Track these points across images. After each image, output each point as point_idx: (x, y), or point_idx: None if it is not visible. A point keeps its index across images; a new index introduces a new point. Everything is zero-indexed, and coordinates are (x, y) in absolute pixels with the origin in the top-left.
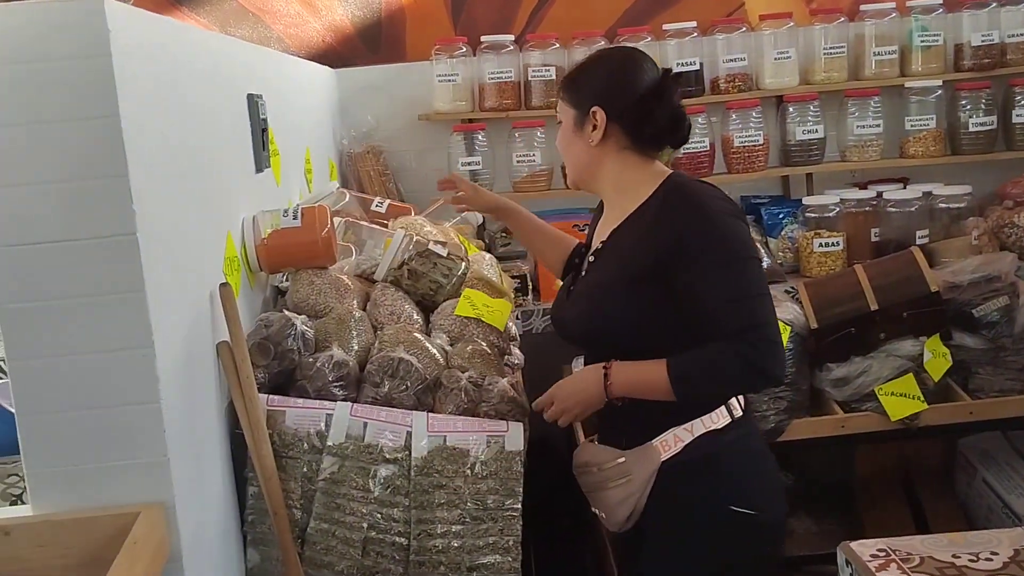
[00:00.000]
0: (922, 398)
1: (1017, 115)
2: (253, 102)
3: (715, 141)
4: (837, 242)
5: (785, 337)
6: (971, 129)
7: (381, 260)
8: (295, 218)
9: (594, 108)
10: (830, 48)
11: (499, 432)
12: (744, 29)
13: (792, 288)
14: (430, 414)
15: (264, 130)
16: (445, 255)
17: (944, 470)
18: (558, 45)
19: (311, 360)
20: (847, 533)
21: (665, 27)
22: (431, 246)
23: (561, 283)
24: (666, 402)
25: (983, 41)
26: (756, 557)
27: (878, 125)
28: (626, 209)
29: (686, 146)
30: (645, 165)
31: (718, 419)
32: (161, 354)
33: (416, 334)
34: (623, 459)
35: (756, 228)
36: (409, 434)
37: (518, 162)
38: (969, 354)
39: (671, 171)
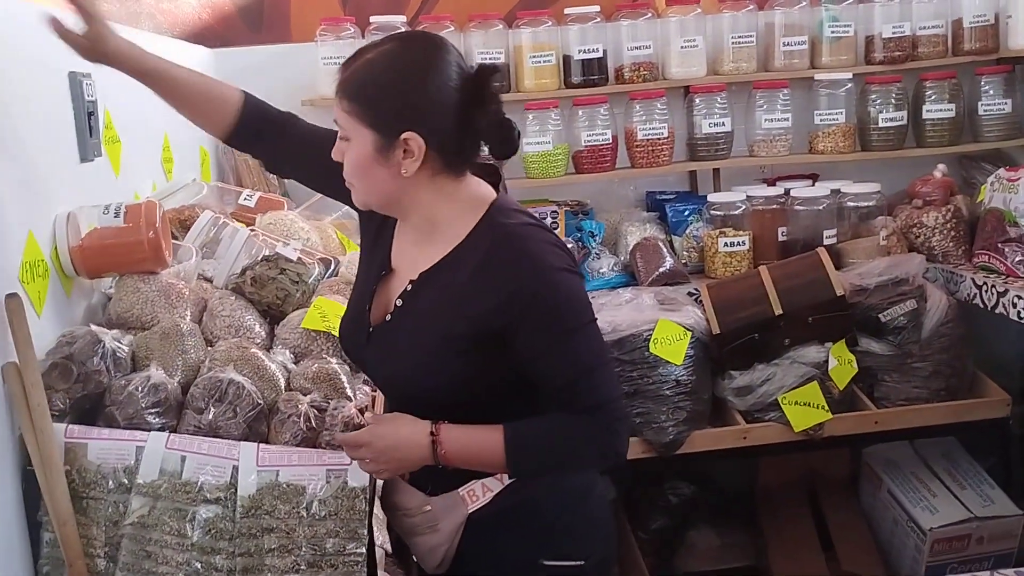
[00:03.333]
0: (826, 408)
1: (928, 110)
2: (76, 82)
3: (618, 133)
4: (743, 241)
5: (685, 343)
6: (880, 124)
7: (220, 264)
8: (117, 215)
9: (407, 135)
10: (739, 37)
11: (341, 465)
12: (650, 15)
13: (695, 290)
14: (261, 445)
15: (92, 114)
16: (295, 259)
17: (850, 480)
18: (453, 28)
19: (123, 383)
20: (750, 546)
21: (567, 11)
22: (279, 248)
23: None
24: None
25: (894, 33)
26: None
27: (787, 119)
28: (440, 244)
29: (590, 137)
30: (460, 189)
31: None
32: None
33: (254, 350)
34: (429, 507)
35: (660, 226)
36: (236, 469)
37: None
38: (875, 361)
39: (491, 197)
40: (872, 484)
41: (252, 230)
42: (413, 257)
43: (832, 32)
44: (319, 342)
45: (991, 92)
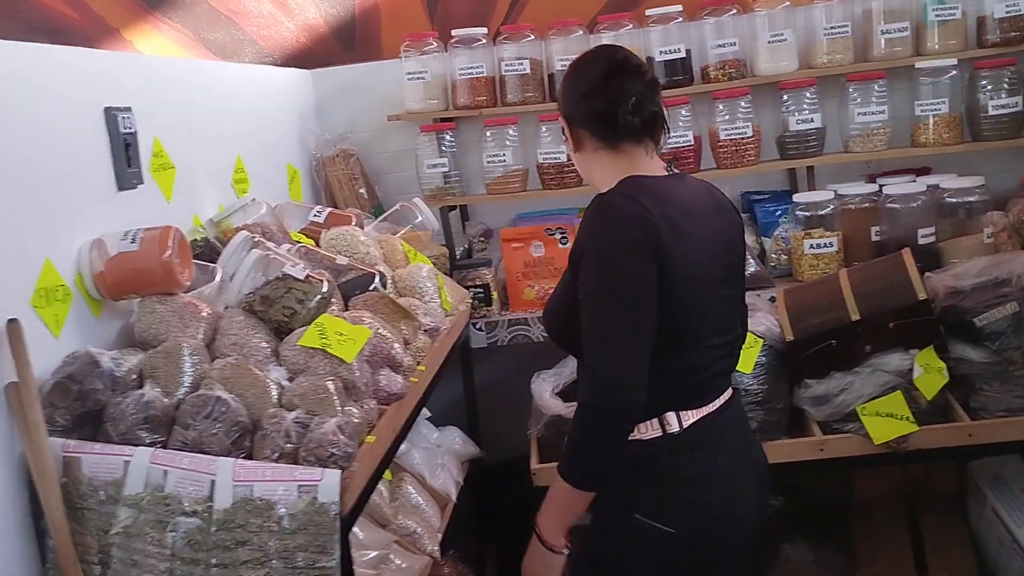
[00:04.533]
0: (912, 419)
1: None
2: (111, 116)
3: (702, 134)
4: (831, 243)
5: (756, 351)
6: (991, 112)
7: (233, 284)
8: (133, 242)
9: (560, 119)
10: (832, 28)
11: (311, 481)
12: (735, 11)
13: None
14: (238, 461)
15: (130, 145)
16: (303, 278)
17: (957, 496)
18: (533, 37)
19: (117, 400)
20: (846, 563)
21: (648, 12)
22: (287, 268)
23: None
24: None
25: (1008, 12)
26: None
27: (883, 111)
28: None
29: (671, 139)
30: (618, 162)
31: (646, 430)
32: None
33: (250, 367)
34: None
35: (750, 227)
36: (214, 483)
37: (488, 163)
38: (971, 368)
39: (632, 174)
40: (978, 501)
41: (304, 246)
42: None
43: (937, 16)
44: (318, 359)
45: None
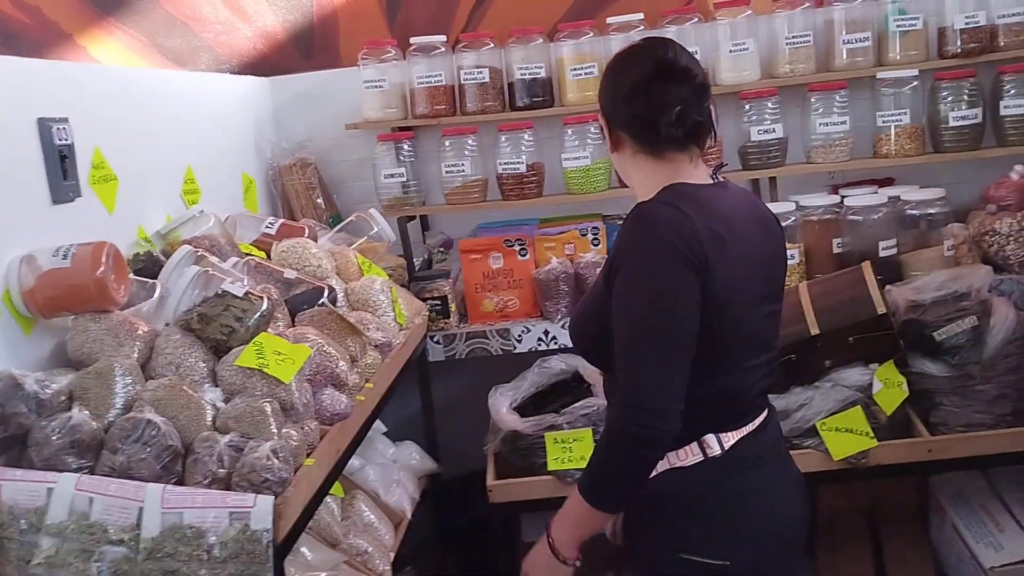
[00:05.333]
0: (871, 434)
1: (1006, 106)
2: (46, 127)
3: None
4: (792, 255)
5: None
6: (952, 124)
7: (169, 301)
8: (65, 258)
9: (600, 118)
10: (794, 37)
11: (243, 508)
12: (696, 20)
13: None
14: (167, 487)
15: (66, 157)
16: (241, 295)
17: (919, 511)
18: (492, 45)
19: (42, 424)
20: None
21: (609, 20)
22: (226, 285)
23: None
24: None
25: (968, 24)
26: None
27: (844, 122)
28: None
29: None
30: (660, 169)
31: (686, 456)
32: None
33: (183, 388)
34: None
35: None
36: (142, 510)
37: (447, 172)
38: (932, 383)
39: (675, 182)
40: (938, 516)
41: (254, 259)
42: None
43: (898, 26)
44: (255, 379)
45: None
